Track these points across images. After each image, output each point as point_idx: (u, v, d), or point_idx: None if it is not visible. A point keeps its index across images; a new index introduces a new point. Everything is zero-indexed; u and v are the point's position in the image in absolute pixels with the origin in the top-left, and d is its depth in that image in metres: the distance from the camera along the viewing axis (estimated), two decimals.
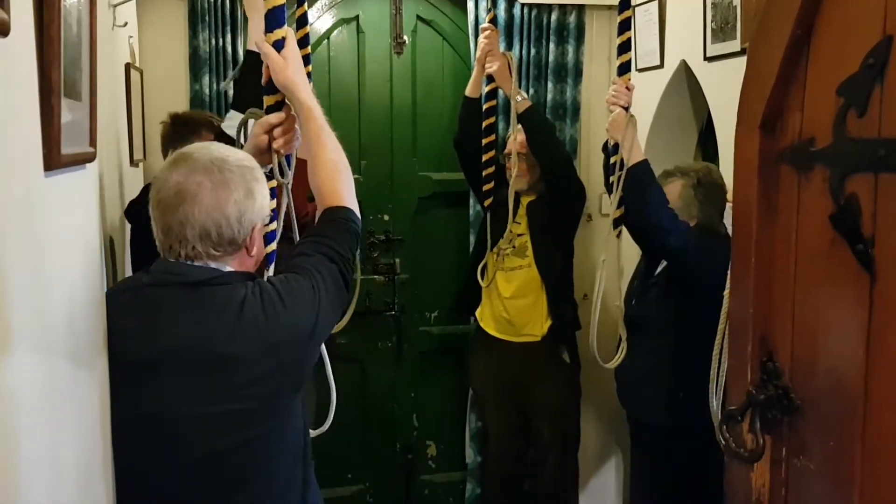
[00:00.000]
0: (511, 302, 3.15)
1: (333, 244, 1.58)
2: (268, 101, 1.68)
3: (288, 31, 1.64)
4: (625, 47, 2.65)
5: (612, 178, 2.56)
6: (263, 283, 1.48)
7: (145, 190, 2.22)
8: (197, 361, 1.40)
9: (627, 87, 2.61)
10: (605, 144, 2.70)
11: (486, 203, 3.22)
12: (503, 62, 3.05)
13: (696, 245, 2.44)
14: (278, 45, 1.62)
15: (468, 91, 3.16)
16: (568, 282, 3.22)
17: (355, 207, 1.67)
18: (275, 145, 1.64)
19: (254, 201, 1.45)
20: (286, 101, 1.66)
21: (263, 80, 1.66)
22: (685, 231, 2.47)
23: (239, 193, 1.42)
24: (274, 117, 1.65)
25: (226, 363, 1.40)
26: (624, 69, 2.64)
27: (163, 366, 1.40)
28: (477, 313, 3.30)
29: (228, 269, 1.46)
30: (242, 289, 1.44)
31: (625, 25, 2.63)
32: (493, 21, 3.16)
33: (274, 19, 1.63)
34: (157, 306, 1.42)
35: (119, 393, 1.37)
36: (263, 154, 1.64)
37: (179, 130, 2.38)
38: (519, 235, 3.16)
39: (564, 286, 3.20)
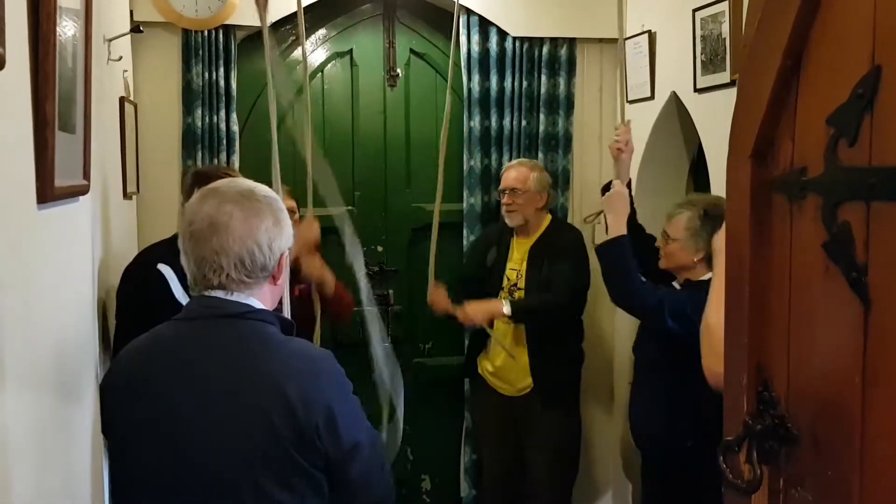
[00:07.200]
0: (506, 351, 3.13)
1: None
2: None
3: None
4: None
5: None
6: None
7: (132, 272, 2.26)
8: (224, 378, 1.43)
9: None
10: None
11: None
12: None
13: (672, 302, 2.47)
14: None
15: None
16: (564, 336, 3.18)
17: None
18: None
19: (281, 229, 1.53)
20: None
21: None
22: (660, 297, 2.51)
23: (268, 221, 1.50)
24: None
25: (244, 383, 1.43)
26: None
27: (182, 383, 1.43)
28: (479, 357, 3.31)
29: (260, 305, 1.52)
30: (271, 326, 1.50)
31: None
32: None
33: None
34: (186, 338, 1.49)
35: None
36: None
37: (193, 183, 2.42)
38: (518, 288, 3.15)
39: (557, 341, 3.15)
